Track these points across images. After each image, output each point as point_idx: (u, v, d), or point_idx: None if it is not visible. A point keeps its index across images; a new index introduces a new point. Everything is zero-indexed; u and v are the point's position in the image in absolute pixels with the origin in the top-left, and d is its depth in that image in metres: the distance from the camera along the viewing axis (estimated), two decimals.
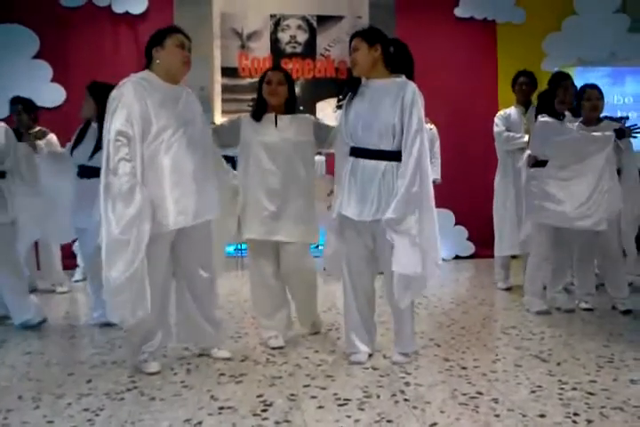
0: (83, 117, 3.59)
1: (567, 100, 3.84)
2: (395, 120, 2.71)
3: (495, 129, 4.72)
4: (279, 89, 3.10)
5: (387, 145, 2.74)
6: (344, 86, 3.01)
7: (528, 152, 4.08)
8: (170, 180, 2.63)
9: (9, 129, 3.64)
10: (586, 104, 3.80)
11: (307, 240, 3.10)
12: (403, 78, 2.83)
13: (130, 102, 2.59)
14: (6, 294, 3.62)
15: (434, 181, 5.47)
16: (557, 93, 3.83)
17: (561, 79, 3.87)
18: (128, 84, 2.65)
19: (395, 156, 2.72)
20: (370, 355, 2.92)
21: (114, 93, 2.64)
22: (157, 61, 2.75)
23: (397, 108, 2.71)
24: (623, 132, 3.75)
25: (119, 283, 2.48)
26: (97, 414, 2.25)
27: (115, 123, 2.56)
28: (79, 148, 3.59)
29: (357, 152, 2.80)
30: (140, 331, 2.73)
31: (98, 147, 3.48)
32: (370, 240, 2.84)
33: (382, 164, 2.73)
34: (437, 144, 5.71)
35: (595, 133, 3.71)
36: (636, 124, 3.80)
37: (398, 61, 2.87)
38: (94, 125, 3.58)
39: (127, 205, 2.49)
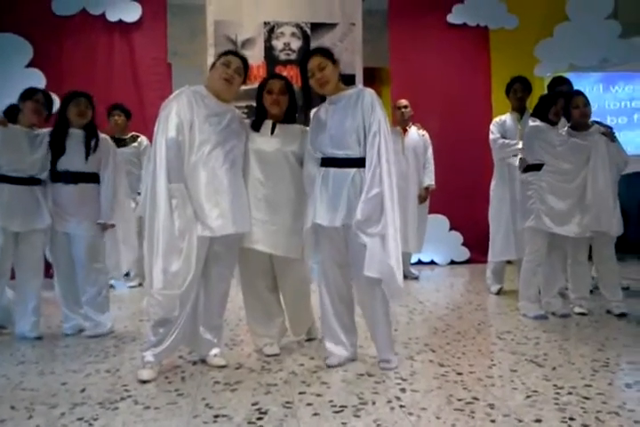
0: (79, 124, 3.61)
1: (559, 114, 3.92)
2: (359, 126, 2.76)
3: (490, 136, 4.75)
4: (281, 98, 3.03)
5: (355, 152, 2.78)
6: (308, 102, 2.98)
7: (520, 156, 4.11)
8: (205, 191, 2.75)
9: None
10: (575, 111, 3.83)
11: (290, 254, 3.02)
12: (359, 87, 2.92)
13: (182, 112, 2.75)
14: (17, 298, 3.63)
15: (428, 187, 5.60)
16: (557, 102, 3.87)
17: (571, 95, 3.91)
18: (182, 95, 2.81)
19: (363, 162, 2.76)
20: (352, 359, 2.95)
21: (168, 102, 2.80)
22: (209, 78, 2.93)
23: (358, 113, 2.77)
24: (612, 136, 3.81)
25: (175, 278, 2.66)
26: (91, 424, 2.23)
27: (168, 130, 2.71)
28: (67, 155, 3.56)
29: (327, 162, 2.85)
30: (164, 330, 2.80)
31: (88, 151, 3.58)
32: (343, 246, 2.87)
33: (352, 170, 2.78)
34: (430, 150, 5.72)
35: (584, 142, 3.76)
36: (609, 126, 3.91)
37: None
38: (76, 132, 3.60)
39: (182, 213, 2.69)
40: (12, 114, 3.63)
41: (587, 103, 3.83)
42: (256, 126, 3.06)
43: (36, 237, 3.59)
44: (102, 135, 3.76)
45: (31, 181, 3.56)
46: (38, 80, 5.85)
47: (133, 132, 5.49)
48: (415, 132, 5.69)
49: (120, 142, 5.24)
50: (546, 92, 4.78)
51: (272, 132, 3.04)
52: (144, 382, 2.70)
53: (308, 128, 3.06)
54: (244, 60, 2.96)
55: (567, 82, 4.67)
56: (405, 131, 5.66)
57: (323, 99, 2.95)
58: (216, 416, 2.29)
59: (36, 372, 2.92)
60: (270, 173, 3.00)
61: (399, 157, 5.32)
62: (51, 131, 3.63)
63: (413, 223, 5.58)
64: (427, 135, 5.76)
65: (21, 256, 3.59)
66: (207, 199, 2.75)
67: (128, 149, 5.33)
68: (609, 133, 3.82)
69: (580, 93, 3.89)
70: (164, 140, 2.70)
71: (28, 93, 3.59)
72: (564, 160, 3.77)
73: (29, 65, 6.07)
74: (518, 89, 4.70)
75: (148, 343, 2.85)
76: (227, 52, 2.98)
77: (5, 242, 3.49)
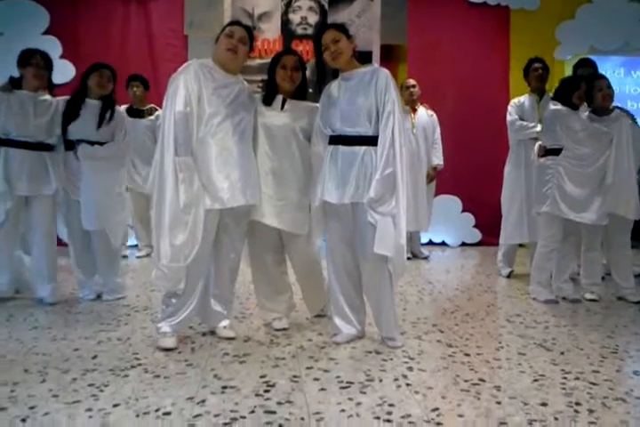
0: (98, 95, 3.65)
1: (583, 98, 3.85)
2: (371, 105, 2.76)
3: (508, 118, 4.69)
4: (295, 75, 3.02)
5: (365, 130, 2.79)
6: (322, 77, 2.98)
7: (539, 143, 4.08)
8: (215, 163, 2.75)
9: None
10: (598, 94, 3.77)
11: (295, 230, 3.03)
12: (374, 65, 2.90)
13: (190, 84, 2.73)
14: (33, 264, 3.70)
15: (436, 167, 5.58)
16: (580, 86, 3.81)
17: (593, 78, 3.84)
18: (190, 68, 2.79)
19: (373, 140, 2.76)
20: (360, 337, 2.98)
21: (176, 75, 2.78)
22: (214, 51, 2.90)
23: (372, 93, 2.77)
24: (633, 122, 3.77)
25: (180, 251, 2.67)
26: (101, 390, 2.27)
27: (176, 103, 2.70)
28: (79, 124, 3.59)
29: (336, 140, 2.85)
30: (177, 301, 2.84)
31: (101, 122, 3.61)
32: (351, 224, 2.88)
33: (361, 148, 2.78)
34: (438, 131, 5.69)
35: (606, 129, 3.71)
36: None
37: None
38: (93, 102, 3.64)
39: (189, 187, 2.67)
40: (16, 81, 3.64)
41: (609, 86, 3.77)
42: (267, 100, 3.04)
43: (44, 202, 3.63)
44: (118, 108, 3.79)
45: (39, 146, 3.59)
46: (54, 48, 5.82)
47: (152, 105, 5.46)
48: (424, 112, 5.65)
49: (137, 114, 5.23)
50: (567, 74, 4.70)
51: (282, 108, 3.03)
52: (166, 349, 2.75)
53: (318, 105, 3.05)
54: (247, 29, 2.92)
55: (592, 64, 4.58)
56: (414, 110, 5.62)
57: (335, 75, 2.94)
58: (224, 387, 2.32)
59: (48, 337, 2.96)
60: (278, 147, 2.99)
61: (409, 136, 5.28)
62: (68, 98, 3.65)
63: (423, 202, 5.57)
64: (435, 115, 5.72)
65: (32, 221, 3.66)
66: (217, 171, 2.75)
67: (144, 122, 5.32)
68: (630, 119, 3.78)
69: (602, 77, 3.83)
70: (172, 113, 2.69)
71: (26, 58, 3.58)
72: (584, 145, 3.72)
73: (46, 32, 6.04)
74: (539, 67, 4.60)
75: (162, 314, 2.88)
76: (230, 23, 2.96)
77: (14, 206, 3.54)
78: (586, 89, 3.81)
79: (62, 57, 5.92)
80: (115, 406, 2.13)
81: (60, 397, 2.21)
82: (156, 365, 2.57)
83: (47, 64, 3.63)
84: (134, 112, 5.27)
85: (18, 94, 3.57)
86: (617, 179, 3.69)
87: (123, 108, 5.34)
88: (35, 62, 3.56)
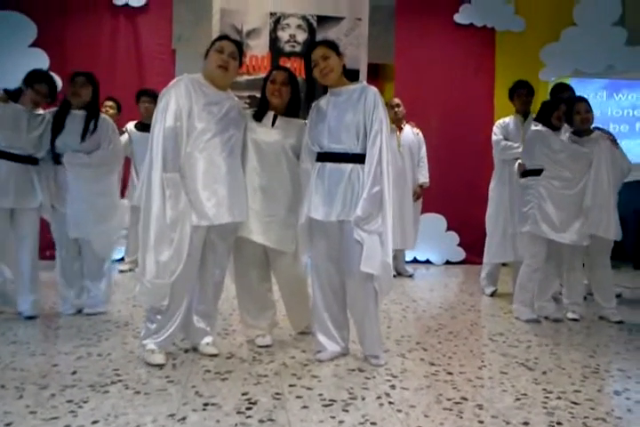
0: (78, 104, 3.62)
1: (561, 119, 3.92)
2: (359, 123, 2.78)
3: (493, 138, 4.74)
4: (282, 89, 3.02)
5: (352, 148, 2.79)
6: (311, 94, 2.99)
7: (519, 161, 4.12)
8: (202, 179, 2.75)
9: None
10: (576, 117, 3.83)
11: (282, 247, 3.02)
12: (363, 83, 2.92)
13: (180, 100, 2.73)
14: (17, 276, 3.66)
15: (422, 185, 5.62)
16: (559, 108, 3.88)
17: (573, 101, 3.90)
18: (180, 83, 2.79)
19: (360, 158, 2.77)
20: (344, 354, 2.97)
21: (166, 90, 2.78)
22: (204, 66, 2.90)
23: (360, 111, 2.79)
24: (614, 143, 3.83)
25: (165, 268, 2.66)
26: (80, 406, 2.24)
27: (166, 119, 2.69)
28: (65, 136, 3.57)
29: (324, 157, 2.85)
30: (162, 317, 2.81)
31: (85, 133, 3.57)
32: (337, 241, 2.87)
33: (348, 166, 2.78)
34: (424, 149, 5.75)
35: (585, 150, 3.76)
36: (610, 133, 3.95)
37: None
38: (77, 113, 3.61)
39: (175, 204, 2.67)
40: (16, 93, 3.63)
41: (588, 109, 3.83)
42: (258, 117, 3.05)
43: (29, 215, 3.62)
44: (103, 116, 3.77)
45: (27, 159, 3.57)
46: (41, 60, 5.80)
47: None
48: (410, 131, 5.71)
49: (147, 128, 5.20)
50: (549, 97, 4.77)
51: (273, 124, 3.03)
52: (156, 365, 2.72)
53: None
54: (237, 44, 2.93)
55: (569, 89, 4.66)
56: (400, 129, 5.67)
57: (325, 92, 2.95)
58: (205, 404, 2.29)
59: (27, 352, 2.92)
60: (267, 164, 2.99)
61: (395, 154, 5.32)
62: (54, 112, 3.64)
63: (409, 220, 5.60)
64: (421, 134, 5.78)
65: (18, 234, 3.63)
66: (204, 188, 2.75)
67: None
68: (611, 140, 3.84)
69: (582, 99, 3.89)
70: (162, 128, 2.69)
71: (31, 81, 3.58)
72: (565, 167, 3.77)
73: (33, 45, 6.01)
74: (523, 93, 4.67)
75: (147, 331, 2.84)
76: (219, 38, 2.97)
77: (0, 218, 3.52)
78: (565, 111, 3.87)
79: (49, 70, 5.86)
80: (94, 422, 2.10)
81: (37, 413, 2.17)
82: (136, 381, 2.54)
83: (51, 91, 3.63)
84: (144, 127, 5.26)
85: (13, 107, 3.56)
86: (597, 201, 3.75)
87: (132, 123, 5.37)
88: (37, 89, 3.56)
